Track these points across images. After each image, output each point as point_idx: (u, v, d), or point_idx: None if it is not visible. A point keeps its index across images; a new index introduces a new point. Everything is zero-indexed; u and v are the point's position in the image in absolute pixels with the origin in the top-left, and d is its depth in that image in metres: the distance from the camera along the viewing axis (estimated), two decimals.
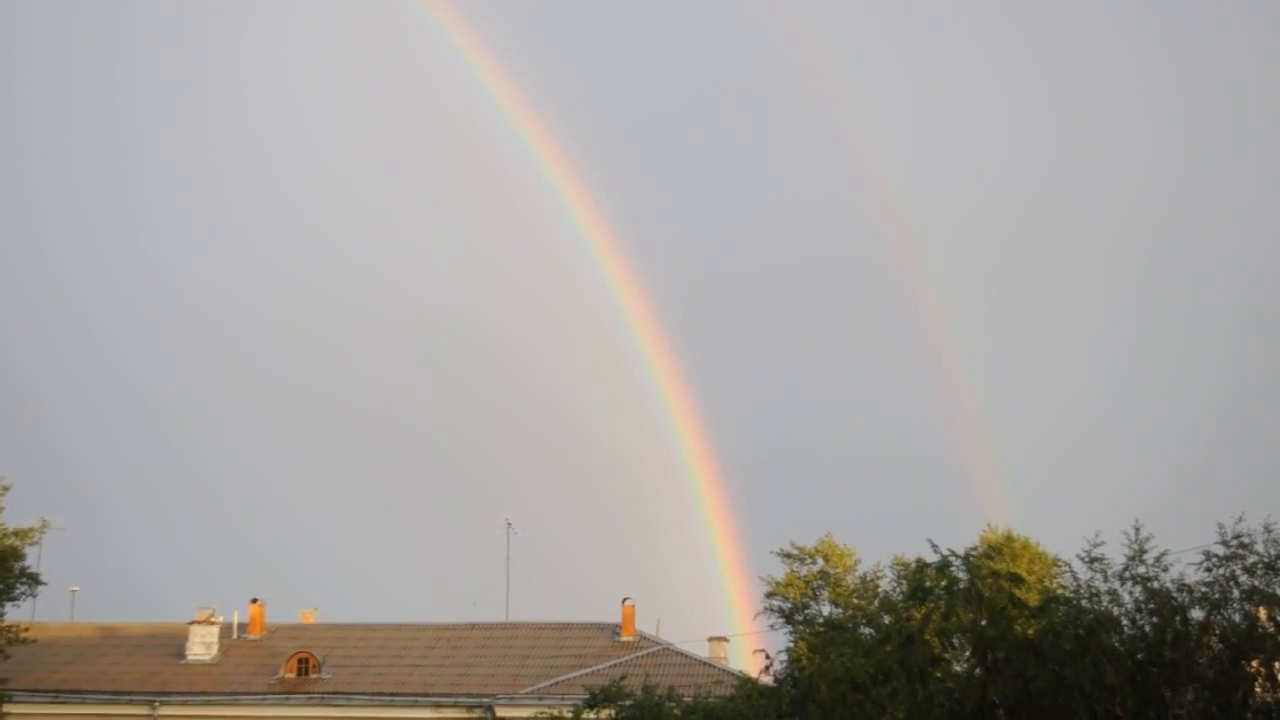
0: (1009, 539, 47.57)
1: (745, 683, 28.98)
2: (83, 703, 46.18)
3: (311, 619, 54.31)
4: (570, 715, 28.20)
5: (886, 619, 26.69)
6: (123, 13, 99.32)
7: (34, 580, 41.82)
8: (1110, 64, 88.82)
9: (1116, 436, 79.77)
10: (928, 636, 23.17)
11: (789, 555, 51.96)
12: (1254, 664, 23.40)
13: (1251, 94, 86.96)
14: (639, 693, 27.68)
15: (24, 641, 40.80)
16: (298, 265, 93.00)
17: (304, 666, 47.69)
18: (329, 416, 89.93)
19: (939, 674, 23.27)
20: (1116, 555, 24.39)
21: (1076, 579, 24.86)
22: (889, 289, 78.96)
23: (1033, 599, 24.08)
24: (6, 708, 41.09)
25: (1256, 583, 23.52)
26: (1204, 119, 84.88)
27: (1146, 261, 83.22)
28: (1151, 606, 23.76)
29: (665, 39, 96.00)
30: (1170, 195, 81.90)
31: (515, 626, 52.25)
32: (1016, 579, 24.48)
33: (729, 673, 41.71)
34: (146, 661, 49.44)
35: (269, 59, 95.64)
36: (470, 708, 44.79)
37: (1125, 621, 23.91)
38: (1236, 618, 23.60)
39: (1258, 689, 23.54)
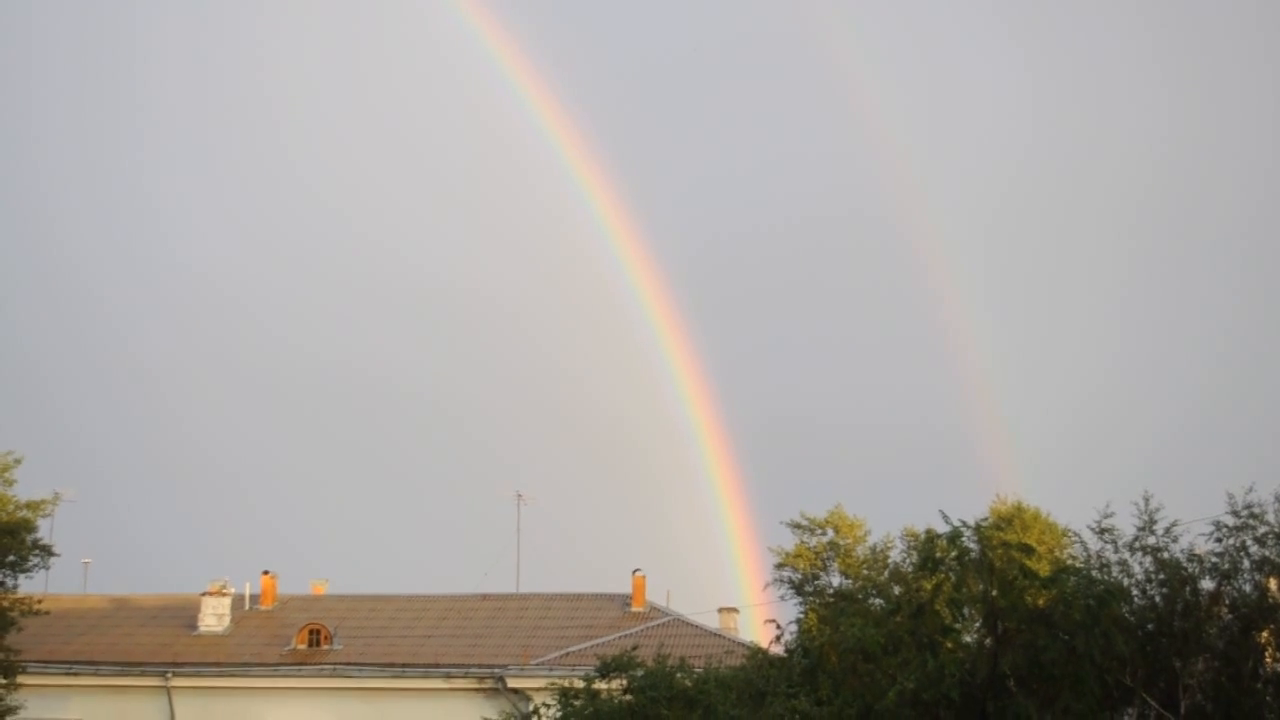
0: (1019, 509, 47.63)
1: (756, 653, 29.07)
2: (96, 674, 46.41)
3: (323, 590, 54.45)
4: (582, 685, 28.31)
5: (897, 590, 26.66)
6: None
7: (46, 552, 42.00)
8: (1103, 29, 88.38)
9: (1126, 406, 79.75)
10: (938, 607, 23.17)
11: (799, 526, 52.14)
12: (1264, 634, 23.43)
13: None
14: (650, 663, 27.77)
15: (37, 613, 41.01)
16: (309, 239, 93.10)
17: (315, 638, 47.86)
18: (340, 388, 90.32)
19: (949, 644, 23.28)
20: (1126, 526, 24.43)
21: (1087, 549, 24.88)
22: (897, 257, 78.80)
23: (1043, 569, 24.05)
24: (20, 679, 41.31)
25: (1267, 553, 23.52)
26: (1191, 82, 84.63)
27: (1152, 232, 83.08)
28: (1161, 577, 23.77)
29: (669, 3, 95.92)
30: (1164, 155, 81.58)
31: (526, 598, 52.39)
32: (1027, 549, 24.45)
33: (739, 643, 41.86)
34: (159, 633, 49.65)
35: (285, 39, 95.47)
36: (481, 678, 44.94)
37: (1135, 592, 23.93)
38: (1247, 588, 23.62)
39: (1268, 659, 23.58)
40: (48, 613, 42.26)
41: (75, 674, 46.27)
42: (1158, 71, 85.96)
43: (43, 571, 42.70)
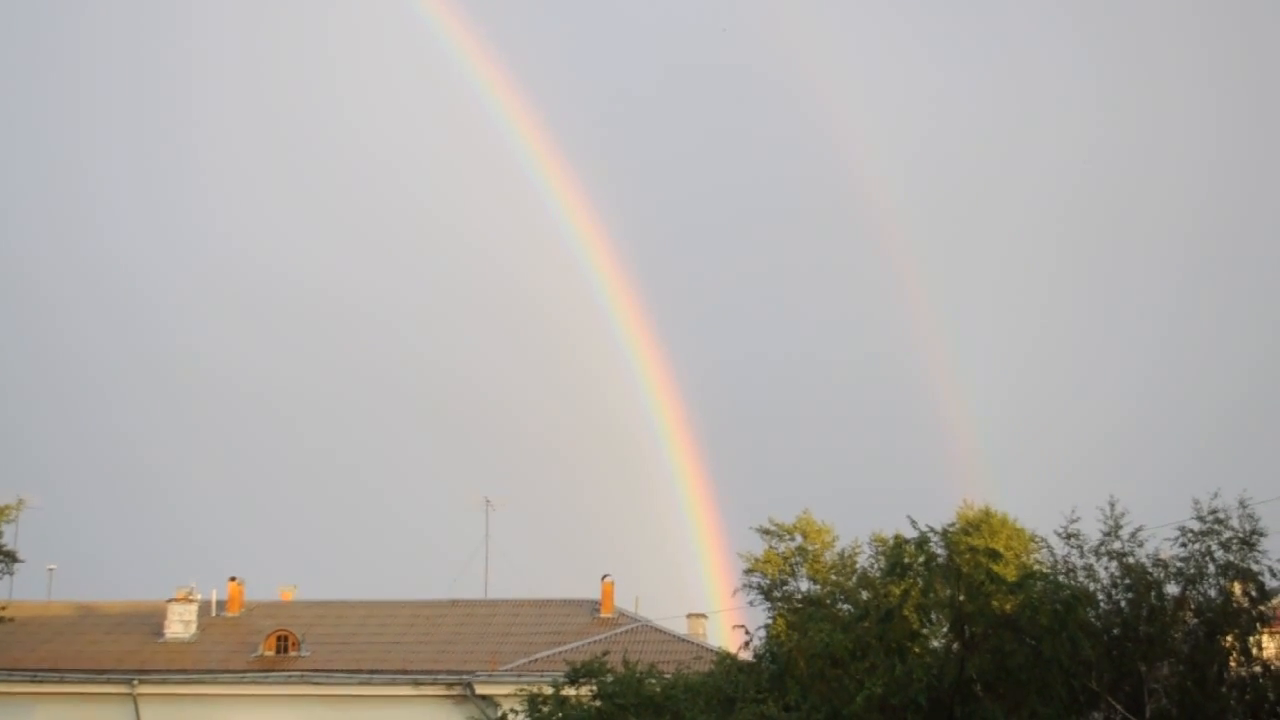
0: (987, 514, 47.79)
1: (724, 659, 29.08)
2: (61, 681, 46.07)
3: (290, 596, 54.23)
4: (550, 692, 28.27)
5: (865, 595, 26.75)
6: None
7: (10, 558, 41.73)
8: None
9: (1094, 412, 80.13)
10: (906, 612, 23.25)
11: (767, 532, 52.14)
12: (1229, 639, 23.60)
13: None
14: (619, 669, 27.76)
15: (1, 620, 40.72)
16: (282, 239, 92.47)
17: (283, 644, 47.65)
18: (308, 392, 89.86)
19: (917, 649, 23.37)
20: (1092, 531, 24.58)
21: (1053, 555, 25.04)
22: (868, 261, 79.08)
23: (1010, 574, 24.19)
24: None
25: (1231, 558, 23.72)
26: (1176, 87, 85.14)
27: (1115, 230, 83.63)
28: (1127, 582, 23.95)
29: (642, 13, 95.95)
30: (1144, 155, 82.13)
31: (494, 603, 52.32)
32: (994, 555, 24.62)
33: (708, 649, 41.85)
34: (125, 640, 49.33)
35: (274, 51, 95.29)
36: (450, 685, 44.80)
37: (1101, 597, 24.10)
38: (1212, 593, 23.81)
39: (1232, 664, 23.75)
40: (12, 620, 41.99)
41: (40, 681, 45.92)
42: (1140, 70, 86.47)
43: (6, 578, 42.54)
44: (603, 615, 49.73)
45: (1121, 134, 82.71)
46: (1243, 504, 23.95)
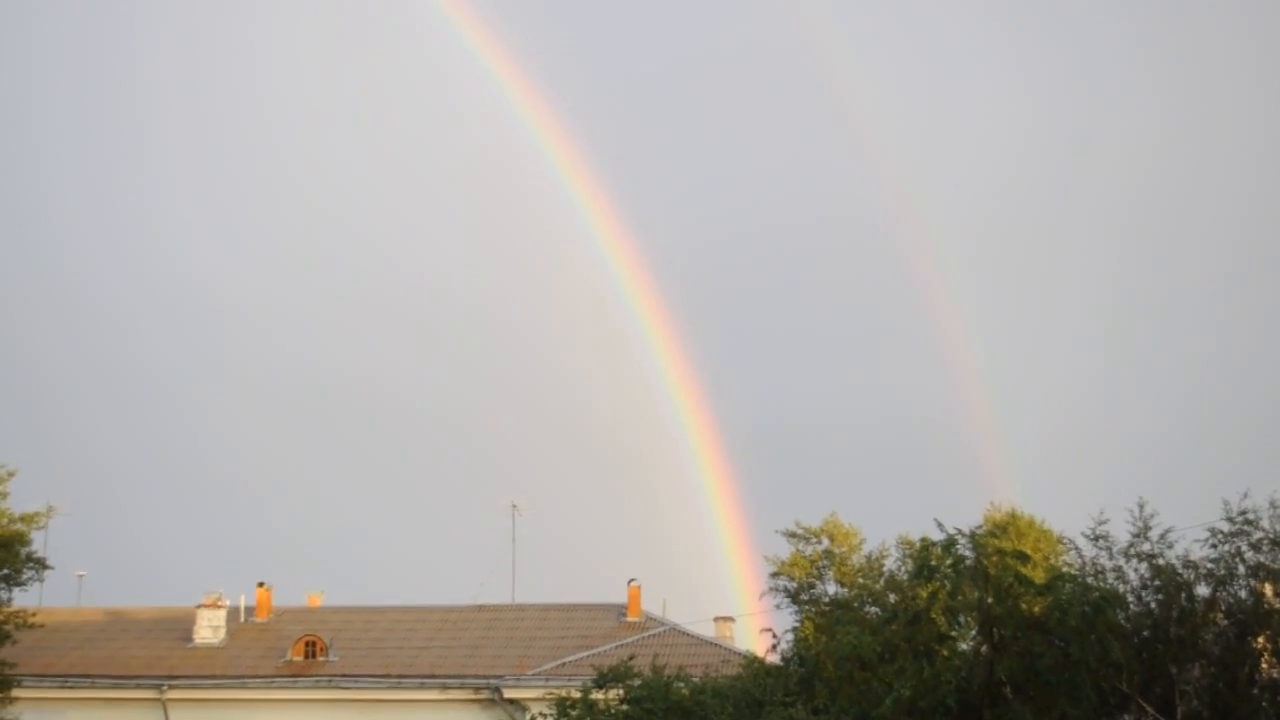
0: (1014, 516, 47.62)
1: (752, 662, 29.07)
2: (92, 687, 46.37)
3: (318, 602, 54.43)
4: (578, 696, 28.28)
5: (892, 598, 26.68)
6: (135, 3, 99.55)
7: (41, 565, 41.95)
8: (1097, 35, 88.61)
9: (1121, 412, 79.82)
10: (934, 615, 23.16)
11: (794, 535, 52.08)
12: (1260, 640, 23.43)
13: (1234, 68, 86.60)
14: (647, 673, 27.75)
15: (32, 626, 40.93)
16: (305, 246, 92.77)
17: (311, 649, 47.85)
18: (335, 398, 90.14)
19: (945, 652, 23.27)
20: (1121, 532, 24.44)
21: (1081, 556, 24.89)
22: (892, 265, 78.87)
23: (1038, 576, 24.06)
24: (15, 692, 41.23)
25: (1262, 559, 23.54)
26: (1182, 86, 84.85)
27: (1144, 236, 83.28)
28: (1157, 583, 23.78)
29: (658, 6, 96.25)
30: (1156, 159, 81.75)
31: (521, 608, 52.38)
32: (1022, 557, 24.46)
33: (735, 652, 41.82)
34: (154, 645, 49.61)
35: (278, 47, 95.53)
36: (477, 689, 44.92)
37: (1131, 598, 23.93)
38: (1242, 594, 23.63)
39: (1264, 665, 23.59)
40: (42, 626, 42.17)
41: (71, 687, 46.21)
42: (1150, 76, 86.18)
43: (37, 584, 42.74)
44: (629, 619, 49.75)
45: (1165, 138, 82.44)
46: (1273, 504, 23.78)
